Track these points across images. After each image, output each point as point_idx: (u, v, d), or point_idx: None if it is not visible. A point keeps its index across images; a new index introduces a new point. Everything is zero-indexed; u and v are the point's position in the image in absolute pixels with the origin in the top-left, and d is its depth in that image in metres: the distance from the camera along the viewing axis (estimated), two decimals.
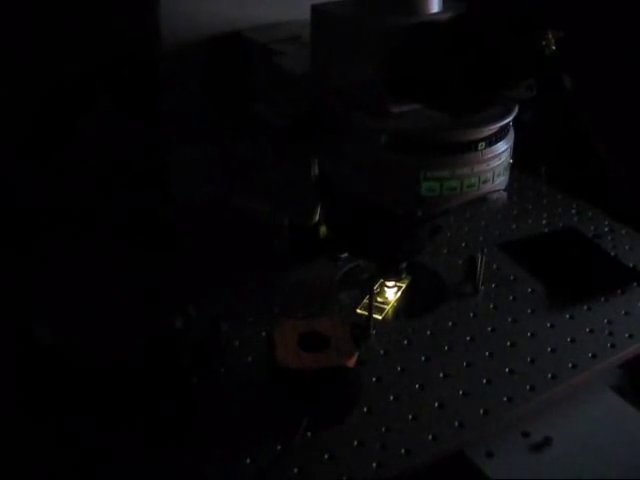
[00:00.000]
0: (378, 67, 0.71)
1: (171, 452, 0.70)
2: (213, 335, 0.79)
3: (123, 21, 0.92)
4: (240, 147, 0.92)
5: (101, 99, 0.96)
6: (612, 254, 0.99)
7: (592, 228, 1.05)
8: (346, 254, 0.93)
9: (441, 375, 0.80)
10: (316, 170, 0.83)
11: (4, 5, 0.89)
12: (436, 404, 0.76)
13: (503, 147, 0.75)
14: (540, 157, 1.12)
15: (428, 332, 0.86)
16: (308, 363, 0.72)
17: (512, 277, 0.95)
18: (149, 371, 0.75)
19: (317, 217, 0.89)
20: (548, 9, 0.61)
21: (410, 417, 0.75)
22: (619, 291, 0.93)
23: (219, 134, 0.96)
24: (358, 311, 0.88)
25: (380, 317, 0.88)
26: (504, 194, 0.78)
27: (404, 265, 0.91)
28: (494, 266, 0.96)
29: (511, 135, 0.77)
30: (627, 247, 1.01)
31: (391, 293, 0.92)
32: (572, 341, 0.85)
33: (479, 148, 0.73)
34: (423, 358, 0.82)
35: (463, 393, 0.78)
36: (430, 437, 0.72)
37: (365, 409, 0.75)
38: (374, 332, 0.85)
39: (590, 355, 0.83)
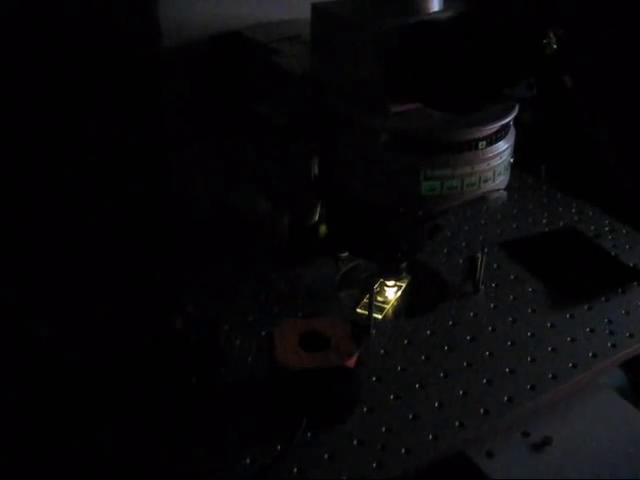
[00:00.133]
0: (378, 66, 0.71)
1: (171, 452, 0.70)
2: (213, 335, 0.79)
3: (124, 20, 0.92)
4: (240, 147, 0.92)
5: (101, 99, 0.95)
6: (612, 253, 0.99)
7: (592, 227, 1.05)
8: (346, 254, 0.93)
9: (441, 375, 0.80)
10: (316, 170, 0.83)
11: (4, 4, 0.89)
12: (436, 404, 0.76)
13: (504, 146, 0.75)
14: (540, 156, 1.12)
15: (428, 332, 0.86)
16: (308, 363, 0.72)
17: (512, 276, 0.95)
18: (149, 371, 0.75)
19: (317, 217, 0.89)
20: (549, 7, 0.61)
21: (410, 417, 0.74)
22: (620, 290, 0.93)
23: (219, 134, 0.96)
24: (358, 310, 0.88)
25: (380, 316, 0.88)
26: (504, 193, 0.78)
27: (404, 264, 0.91)
28: (494, 265, 0.96)
29: (512, 134, 0.77)
30: (627, 246, 1.01)
31: (391, 292, 0.92)
32: (572, 341, 0.85)
33: (479, 147, 0.73)
34: (423, 358, 0.82)
35: (463, 393, 0.77)
36: (430, 437, 0.72)
37: (365, 409, 0.75)
38: (374, 332, 0.85)
39: (590, 355, 0.83)
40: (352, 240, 0.88)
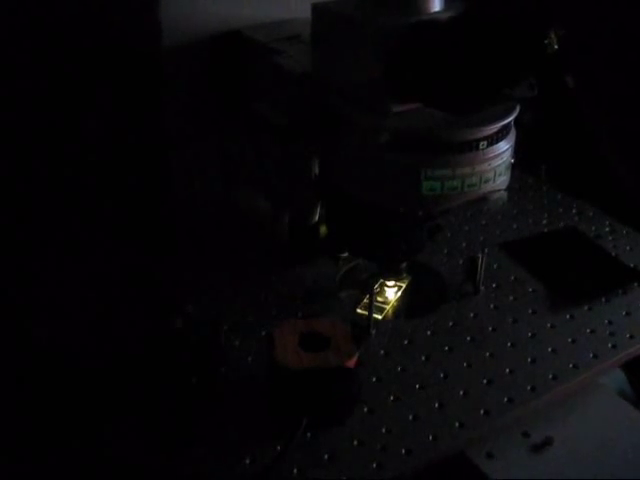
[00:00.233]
0: (379, 66, 0.71)
1: (171, 452, 0.70)
2: (213, 335, 0.79)
3: (124, 20, 0.92)
4: (240, 147, 0.92)
5: (101, 98, 0.95)
6: (613, 254, 0.99)
7: (593, 228, 1.05)
8: (346, 254, 0.93)
9: (441, 375, 0.79)
10: (316, 170, 0.83)
11: (4, 4, 0.89)
12: (436, 404, 0.76)
13: (504, 146, 0.75)
14: (541, 156, 1.12)
15: (428, 332, 0.86)
16: (308, 363, 0.72)
17: (513, 277, 0.95)
18: (149, 371, 0.75)
19: (317, 217, 0.88)
20: (550, 7, 0.61)
21: (410, 417, 0.74)
22: (620, 291, 0.92)
23: (219, 134, 0.96)
24: (358, 311, 0.88)
25: (380, 317, 0.88)
26: (504, 194, 0.78)
27: (404, 265, 0.91)
28: (495, 266, 0.96)
29: (512, 134, 0.77)
30: (628, 247, 1.01)
31: (391, 293, 0.91)
32: (573, 341, 0.85)
33: (480, 147, 0.73)
34: (423, 358, 0.82)
35: (463, 393, 0.77)
36: (430, 437, 0.72)
37: (365, 409, 0.75)
38: (374, 332, 0.85)
39: (591, 355, 0.83)
40: (352, 240, 0.88)
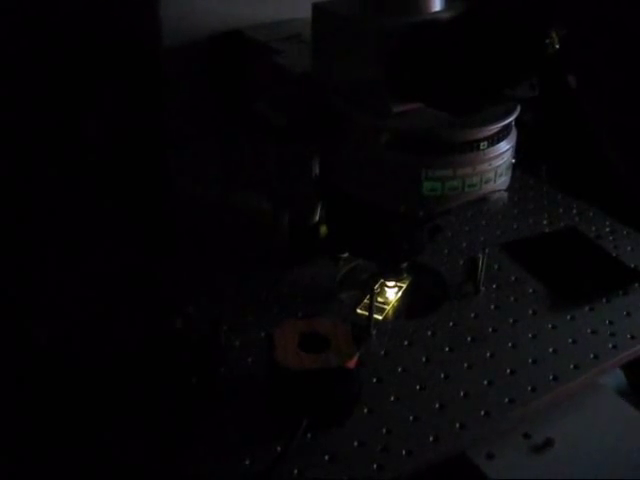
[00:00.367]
0: (379, 66, 0.71)
1: (171, 452, 0.70)
2: (213, 335, 0.79)
3: (124, 19, 0.92)
4: (240, 147, 0.92)
5: (102, 98, 0.95)
6: (613, 254, 0.99)
7: (593, 228, 1.05)
8: (346, 254, 0.92)
9: (442, 376, 0.79)
10: (316, 170, 0.83)
11: (4, 4, 0.89)
12: (437, 405, 0.76)
13: (505, 147, 0.75)
14: (541, 157, 1.11)
15: (429, 332, 0.85)
16: (308, 364, 0.72)
17: (513, 278, 0.95)
18: (149, 371, 0.75)
19: (317, 217, 0.88)
20: (551, 6, 0.61)
21: (411, 418, 0.74)
22: (620, 292, 0.92)
23: (219, 134, 0.96)
24: (358, 311, 0.88)
25: (380, 317, 0.88)
26: (505, 194, 0.78)
27: (405, 265, 0.91)
28: (495, 266, 0.96)
29: (513, 135, 0.77)
30: (628, 248, 1.01)
31: (392, 293, 0.91)
32: (573, 342, 0.85)
33: (481, 147, 0.72)
34: (424, 359, 0.82)
35: (464, 394, 0.77)
36: (431, 438, 0.72)
37: (365, 410, 0.75)
38: (375, 332, 0.84)
39: (592, 356, 0.82)
40: (352, 240, 0.88)
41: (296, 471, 0.69)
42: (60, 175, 0.95)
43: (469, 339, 0.85)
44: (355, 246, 0.89)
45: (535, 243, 1.02)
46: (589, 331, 0.86)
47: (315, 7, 0.78)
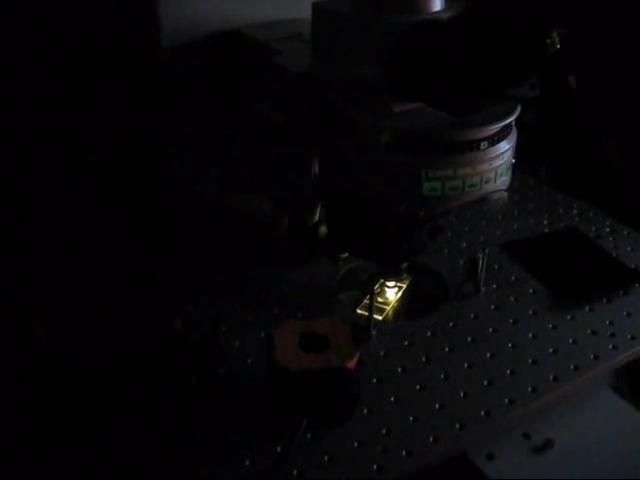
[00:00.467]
0: (379, 66, 0.71)
1: (171, 452, 0.70)
2: (213, 335, 0.79)
3: (124, 19, 0.92)
4: (240, 147, 0.92)
5: (101, 98, 0.95)
6: (614, 255, 0.99)
7: (593, 229, 1.05)
8: (346, 254, 0.92)
9: (442, 376, 0.79)
10: (316, 170, 0.83)
11: (4, 4, 0.89)
12: (437, 405, 0.76)
13: (505, 147, 0.75)
14: (541, 157, 1.11)
15: (429, 333, 0.85)
16: (308, 364, 0.72)
17: (513, 278, 0.95)
18: (149, 372, 0.75)
19: (317, 217, 0.88)
20: (552, 6, 0.60)
21: (411, 418, 0.74)
22: (621, 292, 0.92)
23: (219, 134, 0.96)
24: (358, 311, 0.88)
25: (380, 317, 0.88)
26: (505, 194, 0.78)
27: (405, 265, 0.90)
28: (495, 267, 0.96)
29: (514, 135, 0.77)
30: (629, 248, 1.01)
31: (392, 293, 0.91)
32: (574, 342, 0.84)
33: (481, 147, 0.72)
34: (424, 359, 0.82)
35: (464, 394, 0.77)
36: (431, 439, 0.72)
37: (365, 410, 0.75)
38: (374, 333, 0.84)
39: (592, 356, 0.82)
40: (352, 240, 0.88)
41: (296, 471, 0.68)
42: (60, 175, 0.95)
43: (469, 339, 0.84)
44: (355, 246, 0.89)
45: (535, 243, 1.02)
46: (589, 331, 0.86)
47: (315, 6, 0.78)
